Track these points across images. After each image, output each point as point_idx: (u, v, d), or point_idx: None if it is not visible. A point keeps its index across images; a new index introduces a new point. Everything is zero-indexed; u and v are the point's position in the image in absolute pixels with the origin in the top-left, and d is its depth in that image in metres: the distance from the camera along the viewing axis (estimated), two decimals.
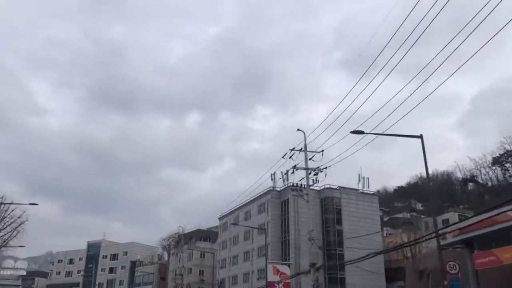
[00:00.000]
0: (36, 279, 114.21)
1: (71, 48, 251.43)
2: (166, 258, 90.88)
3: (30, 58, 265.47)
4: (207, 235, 78.04)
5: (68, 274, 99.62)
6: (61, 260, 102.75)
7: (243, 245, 62.01)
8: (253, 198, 59.12)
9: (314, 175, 26.95)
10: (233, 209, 65.77)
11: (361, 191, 57.15)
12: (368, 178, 58.29)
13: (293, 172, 27.04)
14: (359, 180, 57.27)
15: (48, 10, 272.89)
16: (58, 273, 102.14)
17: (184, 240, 78.27)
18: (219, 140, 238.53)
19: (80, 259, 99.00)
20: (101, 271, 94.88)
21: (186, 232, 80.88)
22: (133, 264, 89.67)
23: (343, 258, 52.85)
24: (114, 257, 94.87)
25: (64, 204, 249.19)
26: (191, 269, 72.73)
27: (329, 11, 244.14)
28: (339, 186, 56.62)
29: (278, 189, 57.53)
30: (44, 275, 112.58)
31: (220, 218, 71.01)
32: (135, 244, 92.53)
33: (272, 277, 43.81)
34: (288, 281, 49.34)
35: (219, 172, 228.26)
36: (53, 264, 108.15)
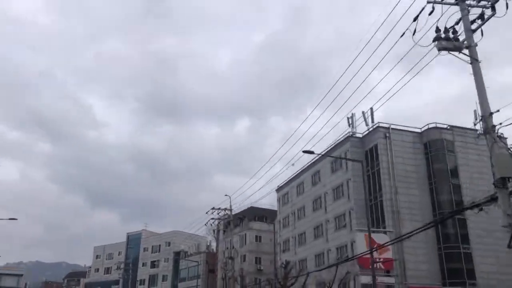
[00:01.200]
0: (82, 279, 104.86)
1: (122, 61, 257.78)
2: (215, 248, 77.00)
3: (85, 75, 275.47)
4: (263, 213, 63.06)
5: (107, 270, 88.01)
6: (99, 256, 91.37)
7: (312, 217, 46.50)
8: (323, 152, 43.36)
9: None
10: (296, 173, 50.50)
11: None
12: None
13: None
14: (476, 118, 40.21)
15: (100, 26, 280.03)
16: (97, 270, 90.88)
17: (233, 223, 63.70)
18: (268, 145, 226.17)
19: (119, 253, 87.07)
20: (142, 266, 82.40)
21: (236, 212, 66.27)
22: (177, 256, 76.36)
23: (465, 225, 36.20)
24: (155, 249, 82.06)
25: (122, 213, 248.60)
26: (244, 256, 58.05)
27: (374, 6, 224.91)
28: (449, 125, 39.81)
29: (360, 134, 41.83)
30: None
31: (278, 190, 55.89)
32: (178, 233, 79.20)
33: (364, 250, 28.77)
34: (389, 257, 33.36)
35: (269, 176, 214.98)
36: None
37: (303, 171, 49.54)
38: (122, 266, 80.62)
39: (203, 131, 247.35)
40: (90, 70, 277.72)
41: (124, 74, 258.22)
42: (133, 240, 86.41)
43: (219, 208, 42.81)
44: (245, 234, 59.15)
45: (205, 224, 44.18)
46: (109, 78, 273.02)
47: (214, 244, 78.76)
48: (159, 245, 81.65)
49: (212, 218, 43.18)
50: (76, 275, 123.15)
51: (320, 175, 45.76)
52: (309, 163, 47.30)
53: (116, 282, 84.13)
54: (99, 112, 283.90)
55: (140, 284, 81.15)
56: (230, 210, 53.24)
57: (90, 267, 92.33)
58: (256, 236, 60.40)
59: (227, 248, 58.61)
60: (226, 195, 38.87)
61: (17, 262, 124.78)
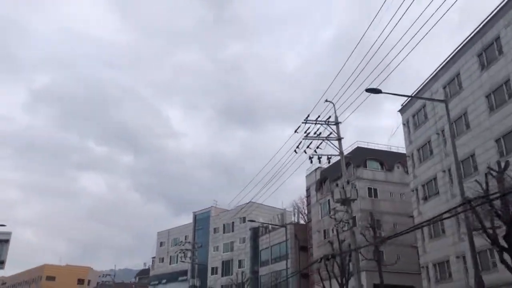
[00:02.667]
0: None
1: (195, 71, 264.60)
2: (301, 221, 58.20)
3: (163, 87, 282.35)
4: (377, 156, 43.05)
5: (173, 260, 72.48)
6: (163, 243, 76.18)
7: (491, 121, 26.12)
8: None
9: None
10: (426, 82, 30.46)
11: None
12: None
13: None
14: None
15: (174, 39, 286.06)
16: (161, 259, 75.77)
17: (330, 178, 44.42)
18: (345, 142, 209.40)
19: (186, 237, 71.12)
20: (214, 250, 65.78)
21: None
22: (255, 234, 58.67)
23: None
24: (228, 228, 65.05)
25: None
26: (354, 219, 38.50)
27: None
28: None
29: None
30: None
31: (402, 109, 36.00)
32: (255, 205, 61.70)
33: None
34: None
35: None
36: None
37: (455, 58, 29.30)
38: (189, 254, 64.48)
39: (277, 134, 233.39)
40: (167, 83, 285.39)
41: (198, 84, 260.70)
42: (201, 221, 70.21)
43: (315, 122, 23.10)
44: (354, 185, 39.66)
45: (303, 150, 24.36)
46: (185, 89, 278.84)
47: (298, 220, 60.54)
48: (232, 222, 64.51)
49: (306, 138, 23.38)
50: (148, 271, 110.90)
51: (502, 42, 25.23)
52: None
53: (184, 273, 68.36)
54: (176, 123, 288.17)
55: (212, 273, 64.49)
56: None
57: (154, 258, 77.50)
58: (370, 189, 40.80)
59: (326, 222, 39.47)
60: (326, 100, 16.05)
61: (108, 270, 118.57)
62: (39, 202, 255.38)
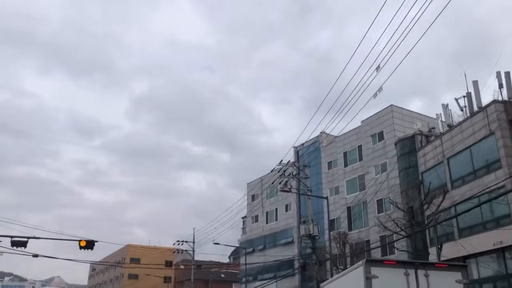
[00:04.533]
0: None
1: (283, 65, 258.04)
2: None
3: (253, 84, 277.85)
4: None
5: (270, 216, 50.28)
6: (256, 196, 54.23)
7: None
8: None
9: None
10: None
11: None
12: None
13: None
14: None
15: (261, 35, 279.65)
16: (255, 219, 53.93)
17: None
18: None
19: (285, 184, 48.13)
20: (333, 193, 42.04)
21: None
22: (407, 148, 33.64)
23: None
24: (352, 156, 40.98)
25: None
26: None
27: None
28: None
29: None
30: None
31: None
32: (395, 110, 37.01)
33: None
34: None
35: None
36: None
37: None
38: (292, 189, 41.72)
39: None
40: (256, 79, 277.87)
41: (286, 77, 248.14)
42: (306, 157, 46.75)
43: None
44: None
45: None
46: (273, 84, 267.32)
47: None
48: (358, 147, 40.26)
49: None
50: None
51: None
52: None
53: (287, 234, 45.83)
54: (267, 118, 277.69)
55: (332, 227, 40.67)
56: None
57: (245, 218, 55.79)
58: None
59: None
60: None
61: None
62: (147, 203, 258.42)
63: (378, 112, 38.47)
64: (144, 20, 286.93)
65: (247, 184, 55.65)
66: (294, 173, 35.90)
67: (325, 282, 16.53)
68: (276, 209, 49.30)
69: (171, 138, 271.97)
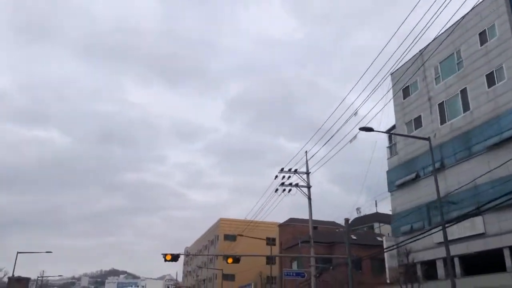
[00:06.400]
0: None
1: (374, 51, 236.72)
2: None
3: (343, 74, 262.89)
4: None
5: (454, 106, 26.00)
6: (411, 88, 30.18)
7: None
8: None
9: None
10: None
11: None
12: None
13: None
14: None
15: (348, 23, 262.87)
16: (414, 124, 29.90)
17: None
18: None
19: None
20: None
21: None
22: None
23: None
24: None
25: None
26: None
27: None
28: None
29: None
30: None
31: None
32: None
33: None
34: None
35: None
36: None
37: None
38: None
39: None
40: (346, 69, 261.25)
41: (380, 63, 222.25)
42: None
43: None
44: None
45: None
46: (367, 72, 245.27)
47: None
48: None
49: None
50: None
51: None
52: None
53: (502, 123, 21.57)
54: (361, 108, 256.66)
55: None
56: None
57: (393, 130, 31.93)
58: None
59: None
60: None
61: None
62: (246, 201, 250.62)
63: None
64: (234, 20, 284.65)
65: (391, 75, 31.93)
66: None
67: None
68: (463, 90, 25.25)
69: (265, 136, 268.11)
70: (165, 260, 24.31)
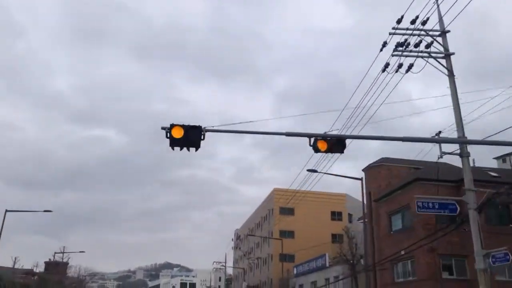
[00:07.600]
0: None
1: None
2: None
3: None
4: None
5: None
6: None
7: None
8: None
9: None
10: None
11: None
12: None
13: None
14: None
15: (399, 9, 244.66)
16: None
17: None
18: None
19: None
20: None
21: None
22: None
23: None
24: None
25: None
26: None
27: None
28: None
29: None
30: None
31: None
32: None
33: None
34: None
35: None
36: None
37: None
38: None
39: None
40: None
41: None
42: None
43: None
44: None
45: None
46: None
47: None
48: None
49: None
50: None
51: None
52: None
53: None
54: (416, 97, 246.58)
55: None
56: None
57: None
58: None
59: None
60: None
61: None
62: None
63: None
64: (281, 12, 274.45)
65: None
66: None
67: None
68: None
69: (313, 129, 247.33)
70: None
